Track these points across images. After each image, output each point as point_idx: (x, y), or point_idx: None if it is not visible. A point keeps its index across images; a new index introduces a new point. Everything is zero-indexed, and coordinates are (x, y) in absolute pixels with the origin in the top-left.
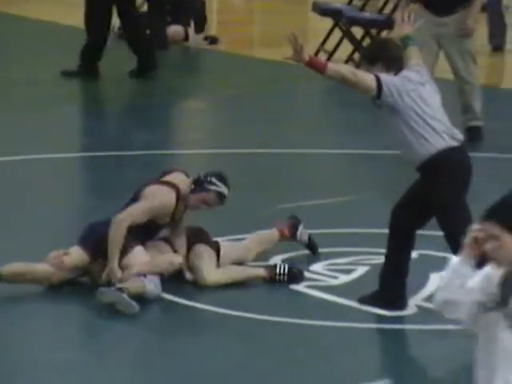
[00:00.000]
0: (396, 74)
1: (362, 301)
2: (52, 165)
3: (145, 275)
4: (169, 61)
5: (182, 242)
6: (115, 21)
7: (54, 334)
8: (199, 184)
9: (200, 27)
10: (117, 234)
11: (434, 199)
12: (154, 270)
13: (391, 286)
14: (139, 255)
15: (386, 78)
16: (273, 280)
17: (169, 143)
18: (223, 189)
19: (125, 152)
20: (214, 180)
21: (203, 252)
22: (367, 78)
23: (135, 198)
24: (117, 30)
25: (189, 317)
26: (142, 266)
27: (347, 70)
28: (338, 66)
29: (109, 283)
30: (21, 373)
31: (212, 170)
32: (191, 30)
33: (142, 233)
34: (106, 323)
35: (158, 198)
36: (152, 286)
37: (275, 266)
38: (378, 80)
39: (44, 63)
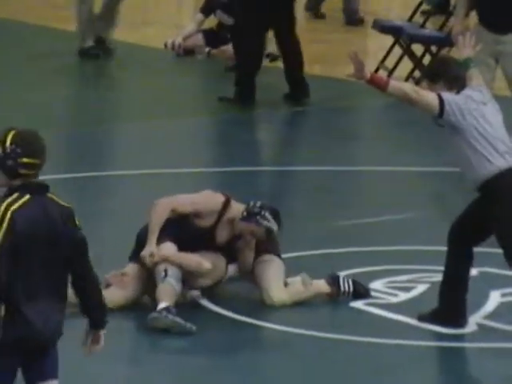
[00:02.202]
0: (458, 92)
1: (421, 318)
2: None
3: (166, 271)
4: (231, 78)
5: (248, 256)
6: (176, 38)
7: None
8: (252, 215)
9: None
10: (157, 214)
11: (494, 219)
12: (179, 261)
13: (451, 303)
14: (167, 248)
15: (449, 96)
16: (337, 296)
17: (230, 160)
18: (274, 226)
19: (182, 169)
20: (267, 215)
21: (271, 267)
22: (429, 96)
23: None
24: (177, 47)
25: (249, 335)
26: (170, 252)
27: (409, 88)
28: (400, 84)
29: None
30: None
31: (268, 202)
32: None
33: (178, 230)
34: (163, 342)
35: (203, 194)
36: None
37: (338, 280)
38: (441, 98)
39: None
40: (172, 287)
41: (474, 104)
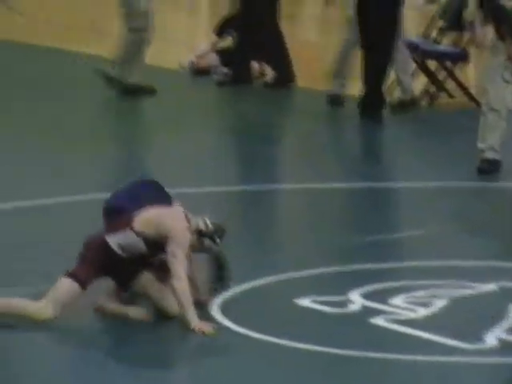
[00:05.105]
0: None
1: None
2: None
3: None
4: (246, 96)
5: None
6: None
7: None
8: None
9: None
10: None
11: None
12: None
13: None
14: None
15: None
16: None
17: (247, 178)
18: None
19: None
20: (218, 241)
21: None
22: None
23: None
24: (190, 65)
25: (259, 351)
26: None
27: None
28: None
29: None
30: None
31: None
32: (268, 67)
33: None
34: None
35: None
36: None
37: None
38: None
39: None
40: None
41: None
